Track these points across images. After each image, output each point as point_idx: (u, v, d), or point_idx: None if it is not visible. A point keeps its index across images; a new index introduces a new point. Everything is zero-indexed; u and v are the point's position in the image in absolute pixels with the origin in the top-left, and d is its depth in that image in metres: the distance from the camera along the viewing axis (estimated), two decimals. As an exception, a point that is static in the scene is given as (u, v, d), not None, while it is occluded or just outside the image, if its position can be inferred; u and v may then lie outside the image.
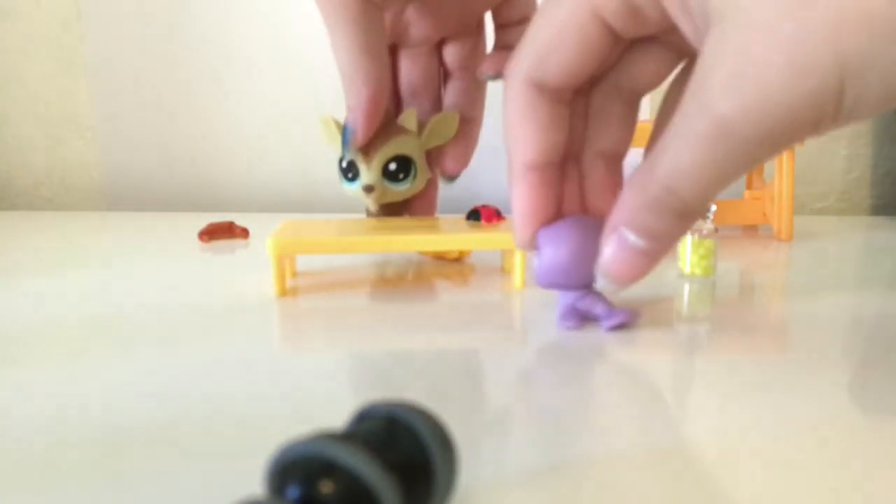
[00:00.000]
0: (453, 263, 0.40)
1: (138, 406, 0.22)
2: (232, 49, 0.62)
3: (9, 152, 0.66)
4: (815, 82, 0.18)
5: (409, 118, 0.38)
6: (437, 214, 0.41)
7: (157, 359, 0.26)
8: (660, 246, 0.24)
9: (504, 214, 0.38)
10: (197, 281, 0.37)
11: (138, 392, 0.23)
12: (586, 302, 0.29)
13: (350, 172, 0.37)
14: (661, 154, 0.22)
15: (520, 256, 0.34)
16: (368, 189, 0.37)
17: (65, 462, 0.18)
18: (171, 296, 0.34)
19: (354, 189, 0.38)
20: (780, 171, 0.47)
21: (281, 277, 0.34)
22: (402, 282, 0.37)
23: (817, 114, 0.19)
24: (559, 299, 0.29)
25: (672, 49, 0.25)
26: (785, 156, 0.47)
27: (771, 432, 0.20)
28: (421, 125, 0.38)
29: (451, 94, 0.40)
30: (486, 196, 0.60)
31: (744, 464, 0.18)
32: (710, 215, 0.36)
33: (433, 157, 0.40)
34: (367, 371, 0.25)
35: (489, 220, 0.36)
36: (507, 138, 0.27)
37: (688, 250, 0.36)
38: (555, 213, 0.27)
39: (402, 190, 0.38)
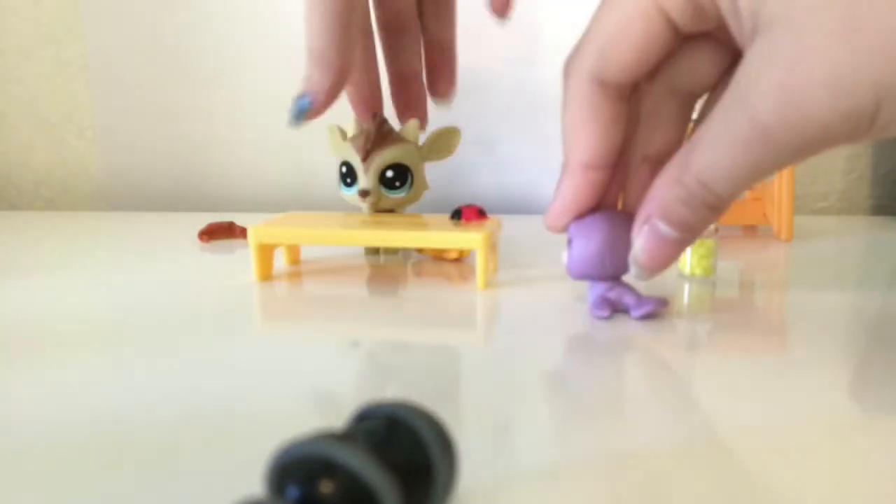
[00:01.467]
0: (453, 263, 0.40)
1: (138, 406, 0.22)
2: (232, 49, 0.62)
3: (9, 152, 0.66)
4: (853, 102, 0.20)
5: (410, 129, 0.39)
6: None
7: (156, 359, 0.26)
8: (690, 236, 0.25)
9: (488, 214, 0.37)
10: (197, 281, 0.37)
11: (138, 392, 0.23)
12: (616, 292, 0.30)
13: (348, 178, 0.38)
14: (698, 151, 0.23)
15: (481, 258, 0.34)
16: (364, 193, 0.37)
17: (64, 462, 0.18)
18: (170, 296, 0.34)
19: (352, 194, 0.38)
20: (781, 171, 0.47)
21: (263, 265, 0.36)
22: (399, 281, 0.37)
23: (852, 129, 0.20)
24: (589, 290, 0.30)
25: (725, 47, 0.26)
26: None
27: (770, 432, 0.20)
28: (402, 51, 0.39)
29: (428, 19, 0.39)
30: (485, 196, 0.60)
31: (743, 463, 0.18)
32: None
33: (427, 82, 0.40)
34: (367, 370, 0.25)
35: (469, 219, 0.37)
36: (566, 135, 0.27)
37: (688, 250, 0.36)
38: (593, 208, 0.28)
39: (397, 198, 0.38)
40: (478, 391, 0.23)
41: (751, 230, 0.51)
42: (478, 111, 0.60)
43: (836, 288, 0.35)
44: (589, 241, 0.28)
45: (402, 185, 0.38)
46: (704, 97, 0.28)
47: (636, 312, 0.29)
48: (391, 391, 0.23)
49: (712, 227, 0.35)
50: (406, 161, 0.38)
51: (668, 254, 0.26)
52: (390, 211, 0.40)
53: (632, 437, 0.19)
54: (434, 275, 0.38)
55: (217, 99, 0.63)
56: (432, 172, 0.40)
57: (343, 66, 0.34)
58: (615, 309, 0.30)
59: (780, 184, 0.47)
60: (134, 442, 0.19)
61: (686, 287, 0.35)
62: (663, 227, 0.25)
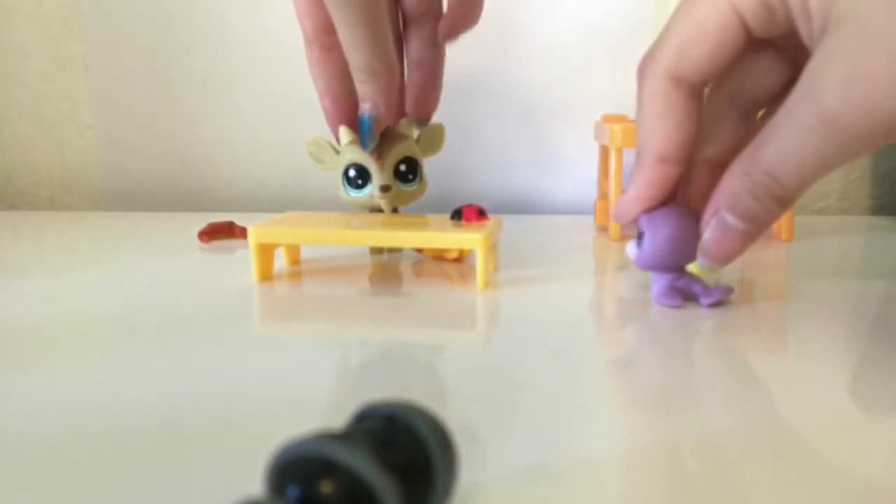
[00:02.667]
0: (453, 263, 0.40)
1: (138, 406, 0.22)
2: (232, 49, 0.62)
3: (9, 152, 0.66)
4: None
5: (406, 125, 0.39)
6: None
7: (156, 359, 0.26)
8: (757, 228, 0.26)
9: (488, 214, 0.37)
10: (197, 281, 0.37)
11: (138, 392, 0.23)
12: (683, 282, 0.31)
13: (360, 179, 0.38)
14: (766, 143, 0.24)
15: (481, 258, 0.34)
16: (385, 189, 0.38)
17: (64, 462, 0.18)
18: (170, 296, 0.34)
19: (364, 196, 0.38)
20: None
21: (263, 265, 0.36)
22: (399, 281, 0.37)
23: None
24: (653, 281, 0.31)
25: (789, 58, 0.27)
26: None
27: (770, 431, 0.20)
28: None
29: (413, 43, 0.40)
30: (485, 196, 0.60)
31: (742, 463, 0.18)
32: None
33: (405, 102, 0.40)
34: (367, 370, 0.25)
35: (469, 219, 0.37)
36: (641, 130, 0.28)
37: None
38: (663, 201, 0.29)
39: (411, 190, 0.39)
40: (477, 391, 0.23)
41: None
42: (478, 111, 0.60)
43: (836, 288, 0.35)
44: (657, 234, 0.29)
45: (414, 177, 0.39)
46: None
47: (706, 300, 0.30)
48: (391, 391, 0.23)
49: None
50: (414, 154, 0.39)
51: (735, 245, 0.26)
52: (393, 210, 0.40)
53: (629, 437, 0.19)
54: (434, 275, 0.38)
55: (217, 99, 0.63)
56: (433, 172, 0.40)
57: (391, 70, 0.35)
58: (685, 297, 0.31)
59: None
60: (133, 442, 0.19)
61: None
62: (731, 220, 0.26)
